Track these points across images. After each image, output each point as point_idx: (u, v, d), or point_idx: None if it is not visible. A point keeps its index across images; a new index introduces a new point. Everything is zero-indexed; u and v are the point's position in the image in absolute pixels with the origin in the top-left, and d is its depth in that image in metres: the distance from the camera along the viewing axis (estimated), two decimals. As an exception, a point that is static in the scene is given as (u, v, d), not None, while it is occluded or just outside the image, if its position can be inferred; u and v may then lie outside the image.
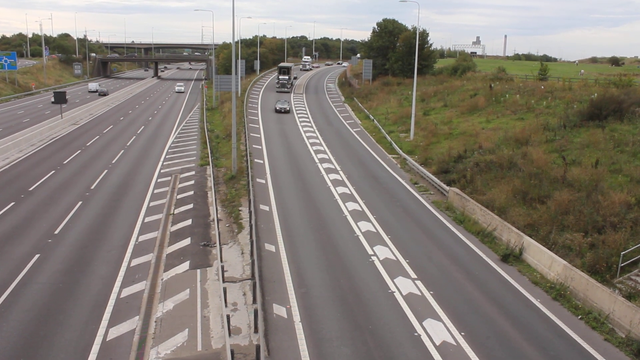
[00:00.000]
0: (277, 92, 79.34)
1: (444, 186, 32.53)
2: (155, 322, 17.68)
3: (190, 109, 71.53)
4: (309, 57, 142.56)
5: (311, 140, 48.25)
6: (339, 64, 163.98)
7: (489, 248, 24.49)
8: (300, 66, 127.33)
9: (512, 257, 23.25)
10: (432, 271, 21.86)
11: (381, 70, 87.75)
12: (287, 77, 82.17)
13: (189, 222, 26.74)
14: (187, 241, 24.21)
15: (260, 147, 44.78)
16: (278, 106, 61.72)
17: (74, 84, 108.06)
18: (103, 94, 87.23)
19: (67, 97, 68.28)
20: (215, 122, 59.36)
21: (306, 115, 63.73)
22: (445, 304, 19.20)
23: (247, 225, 25.98)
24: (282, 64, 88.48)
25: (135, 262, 22.07)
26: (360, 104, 69.55)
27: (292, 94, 77.27)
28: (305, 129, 54.56)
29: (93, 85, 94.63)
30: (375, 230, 25.98)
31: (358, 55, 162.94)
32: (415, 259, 22.89)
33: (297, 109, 68.14)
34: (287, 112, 61.54)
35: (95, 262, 21.95)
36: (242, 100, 69.26)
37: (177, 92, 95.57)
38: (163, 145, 45.81)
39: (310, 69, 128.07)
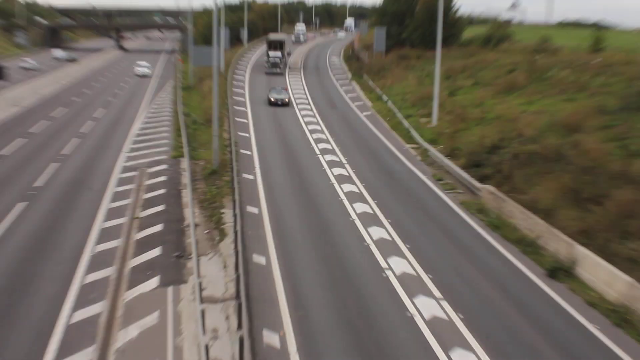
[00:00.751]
0: (266, 73, 75.72)
1: (475, 183, 32.31)
2: (115, 354, 17.35)
3: (161, 88, 71.32)
4: (303, 26, 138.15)
5: (311, 127, 48.11)
6: (335, 32, 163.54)
7: (533, 260, 24.22)
8: (293, 38, 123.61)
9: (561, 271, 22.96)
10: (461, 289, 21.54)
11: (397, 41, 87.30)
12: (279, 54, 78.21)
13: (159, 227, 26.49)
14: (156, 251, 23.99)
15: (247, 134, 44.52)
16: (273, 96, 56.00)
17: (16, 57, 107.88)
18: (72, 60, 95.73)
19: (6, 71, 67.89)
20: (193, 105, 59.08)
21: (304, 95, 63.46)
22: (478, 331, 18.87)
23: (230, 232, 25.72)
24: (272, 36, 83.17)
25: (90, 278, 21.77)
26: (371, 82, 69.34)
27: (287, 75, 76.31)
28: (303, 112, 54.33)
29: (58, 52, 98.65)
30: (389, 238, 25.73)
31: (351, 23, 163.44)
32: (439, 274, 22.59)
33: (292, 86, 67.91)
34: (285, 104, 54.99)
35: (40, 278, 21.61)
36: (225, 78, 69.06)
37: (139, 74, 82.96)
38: (127, 133, 45.61)
39: (305, 41, 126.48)
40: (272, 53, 78.29)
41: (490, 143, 36.57)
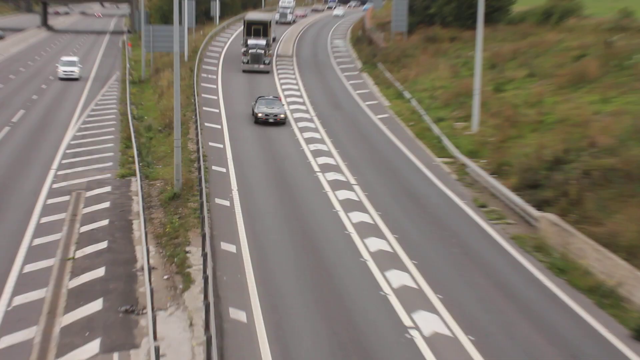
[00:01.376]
0: (244, 71, 72.19)
1: (532, 211, 32.31)
2: None
3: (103, 82, 71.70)
4: (290, 3, 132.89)
5: (307, 135, 48.33)
6: (330, 7, 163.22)
7: (612, 316, 24.15)
8: (277, 16, 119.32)
9: (651, 332, 22.89)
10: (517, 357, 21.47)
11: (423, 18, 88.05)
12: (262, 43, 74.45)
13: (100, 272, 26.40)
14: (96, 305, 23.93)
15: (221, 145, 44.69)
16: (262, 111, 50.26)
17: None
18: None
19: None
20: (147, 105, 59.29)
21: (297, 92, 63.78)
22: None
23: (198, 278, 25.68)
24: (251, 15, 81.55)
25: (5, 341, 21.68)
26: (388, 74, 69.75)
27: (274, 70, 75.63)
28: (297, 115, 54.57)
29: None
30: (416, 286, 25.70)
31: None
32: (484, 336, 22.52)
33: (280, 81, 68.21)
34: (282, 122, 50.19)
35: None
36: (191, 69, 69.40)
37: (63, 77, 72.42)
38: (57, 143, 45.76)
39: (294, 20, 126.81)
40: (252, 42, 74.32)
41: (552, 156, 36.49)
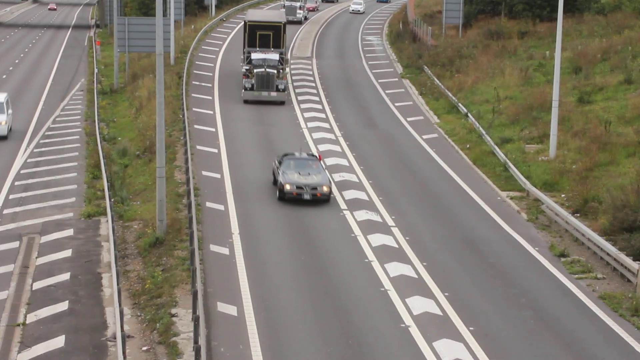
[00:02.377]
0: (246, 101, 63.08)
1: (628, 261, 32.11)
2: None
3: (63, 92, 71.99)
4: None
5: (330, 161, 48.10)
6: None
7: None
8: (284, 10, 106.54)
9: None
10: None
11: (484, 7, 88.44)
12: (272, 58, 64.64)
13: (58, 342, 26.39)
14: (54, 385, 24.09)
15: (218, 174, 44.77)
16: (292, 181, 41.25)
17: None
18: None
19: None
20: (121, 122, 59.44)
21: (318, 103, 63.85)
22: None
23: (188, 349, 25.73)
24: (253, 15, 75.45)
25: None
26: (437, 81, 69.73)
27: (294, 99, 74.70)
28: (316, 134, 54.57)
29: None
30: (474, 361, 25.69)
31: None
32: None
33: (296, 87, 68.32)
34: (325, 198, 41.12)
35: None
36: (179, 74, 69.65)
37: None
38: (3, 173, 45.94)
39: (306, 18, 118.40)
40: (257, 56, 64.77)
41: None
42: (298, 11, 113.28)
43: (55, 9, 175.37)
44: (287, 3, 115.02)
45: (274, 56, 65.04)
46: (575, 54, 63.86)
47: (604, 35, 68.90)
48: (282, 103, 63.06)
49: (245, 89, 63.02)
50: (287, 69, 70.40)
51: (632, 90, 53.80)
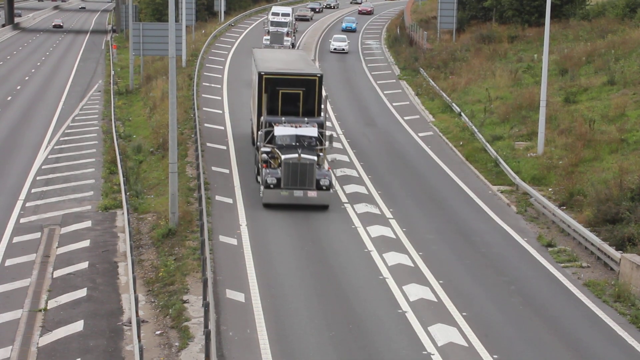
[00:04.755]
0: (266, 205, 39.12)
1: (611, 251, 32.20)
2: None
3: (82, 93, 72.21)
4: (286, 14, 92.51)
5: (331, 156, 48.14)
6: (329, 6, 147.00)
7: None
8: (266, 39, 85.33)
9: None
10: None
11: (476, 13, 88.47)
12: (310, 136, 40.64)
13: (78, 326, 26.53)
14: (73, 367, 24.09)
15: (227, 170, 44.84)
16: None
17: None
18: None
19: None
20: (136, 120, 59.55)
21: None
22: None
23: (198, 333, 25.80)
24: (267, 62, 48.74)
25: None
26: (432, 82, 69.81)
27: None
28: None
29: None
30: (465, 344, 25.75)
31: None
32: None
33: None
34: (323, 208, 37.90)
35: None
36: (190, 76, 69.75)
37: None
38: (26, 168, 46.19)
39: (292, 47, 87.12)
40: (283, 131, 40.54)
41: (637, 183, 36.50)
42: (285, 38, 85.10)
43: (61, 26, 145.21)
44: (272, 29, 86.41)
45: (309, 131, 40.67)
46: (562, 57, 63.84)
47: (589, 40, 68.87)
48: (325, 207, 38.82)
49: (268, 186, 38.03)
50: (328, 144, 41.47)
51: (614, 91, 53.80)
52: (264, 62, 47.87)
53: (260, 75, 43.19)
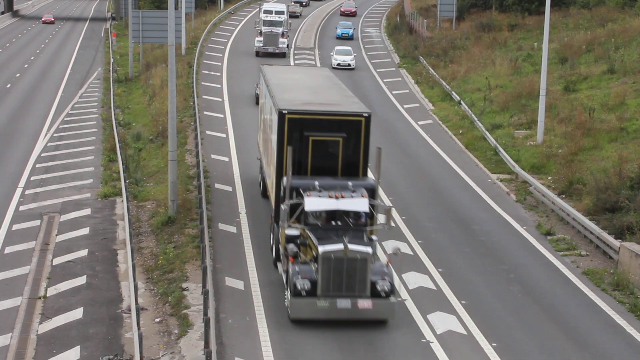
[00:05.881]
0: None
1: (610, 239, 32.28)
2: None
3: (81, 81, 72.22)
4: (280, 11, 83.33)
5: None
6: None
7: None
8: (259, 40, 77.83)
9: None
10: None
11: (476, 1, 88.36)
12: (359, 209, 28.16)
13: (77, 313, 26.62)
14: (73, 354, 24.12)
15: (226, 158, 44.88)
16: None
17: None
18: None
19: None
20: (135, 108, 59.58)
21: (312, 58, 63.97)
22: None
23: (198, 321, 25.88)
24: (289, 98, 33.68)
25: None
26: (432, 71, 69.81)
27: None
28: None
29: None
30: (464, 332, 25.85)
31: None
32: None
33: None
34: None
35: None
36: (190, 64, 69.75)
37: None
38: (25, 156, 46.29)
39: (287, 45, 79.75)
40: (316, 205, 28.49)
41: (637, 172, 36.55)
42: (281, 40, 77.52)
43: (52, 22, 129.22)
44: (265, 29, 77.90)
45: (358, 204, 28.15)
46: (562, 45, 63.85)
47: (589, 28, 68.93)
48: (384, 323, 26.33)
49: (297, 293, 25.70)
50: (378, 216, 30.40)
51: (614, 80, 53.84)
52: (283, 91, 34.43)
53: (281, 115, 29.99)
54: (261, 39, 76.85)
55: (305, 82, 38.84)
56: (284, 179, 28.56)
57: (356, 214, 27.76)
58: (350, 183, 28.48)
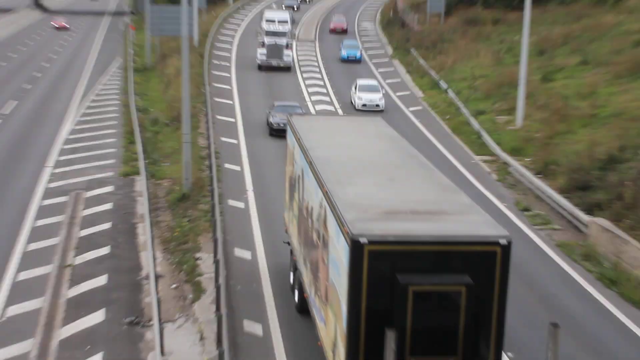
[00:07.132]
0: None
1: (581, 215, 32.60)
2: None
3: (103, 69, 72.20)
4: (283, 20, 75.71)
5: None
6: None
7: (670, 334, 24.22)
8: (261, 53, 66.96)
9: None
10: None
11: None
12: None
13: (102, 280, 27.03)
14: (98, 316, 24.50)
15: (235, 140, 45.11)
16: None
17: None
18: None
19: None
20: (152, 95, 59.64)
21: (320, 80, 64.01)
22: None
23: (210, 287, 26.22)
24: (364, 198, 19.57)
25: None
26: (422, 61, 69.95)
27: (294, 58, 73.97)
28: (319, 106, 54.86)
29: None
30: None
31: None
32: (528, 353, 22.88)
33: (302, 65, 68.44)
34: None
35: None
36: (201, 54, 69.85)
37: None
38: (54, 138, 46.43)
39: (289, 63, 67.50)
40: None
41: (606, 154, 36.72)
42: (285, 52, 66.58)
43: (67, 28, 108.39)
44: (268, 40, 66.92)
45: None
46: (540, 38, 63.84)
47: (565, 23, 68.89)
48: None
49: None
50: None
51: (587, 71, 53.94)
52: (338, 177, 19.83)
53: (356, 246, 15.81)
54: (264, 51, 66.30)
55: (365, 153, 23.56)
56: None
57: None
58: None
